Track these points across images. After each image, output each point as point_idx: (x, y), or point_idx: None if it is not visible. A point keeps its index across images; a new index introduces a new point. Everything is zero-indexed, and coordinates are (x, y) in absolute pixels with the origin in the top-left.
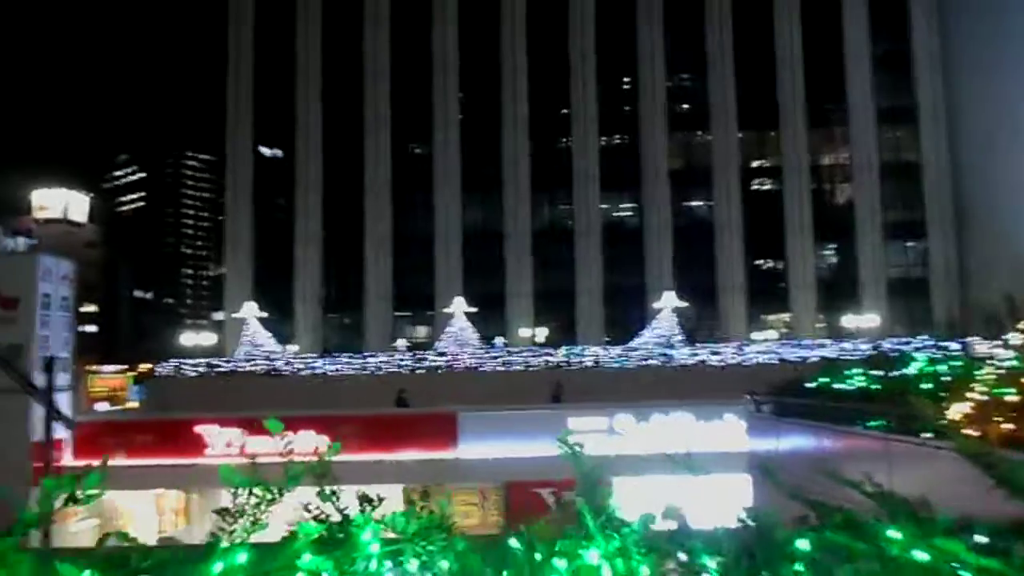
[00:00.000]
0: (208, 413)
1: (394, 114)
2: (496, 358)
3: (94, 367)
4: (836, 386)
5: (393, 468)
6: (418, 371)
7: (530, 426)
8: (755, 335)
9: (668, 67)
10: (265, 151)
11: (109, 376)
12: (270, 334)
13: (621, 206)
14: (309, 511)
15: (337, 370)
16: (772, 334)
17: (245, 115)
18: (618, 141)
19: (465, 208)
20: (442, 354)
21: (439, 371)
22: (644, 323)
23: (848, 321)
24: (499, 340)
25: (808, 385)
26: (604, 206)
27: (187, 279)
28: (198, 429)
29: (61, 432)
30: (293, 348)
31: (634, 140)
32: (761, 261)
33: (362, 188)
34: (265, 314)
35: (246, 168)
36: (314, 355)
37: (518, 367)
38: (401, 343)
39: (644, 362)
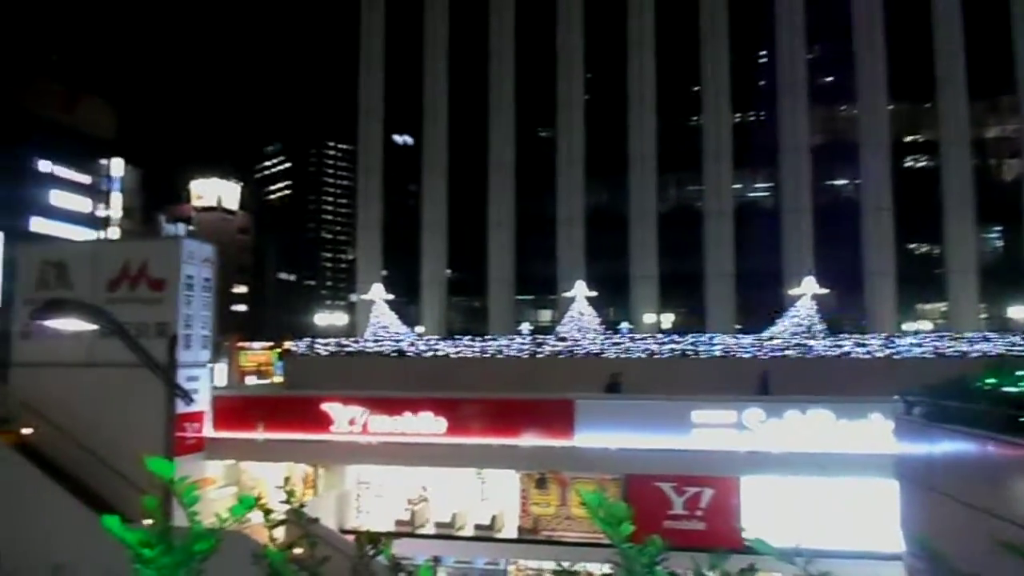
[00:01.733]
0: (335, 391)
1: (519, 97)
2: (618, 344)
3: (244, 344)
4: (1008, 389)
5: (509, 453)
6: (538, 355)
7: (651, 417)
8: (906, 326)
9: (808, 36)
10: (396, 138)
11: (257, 352)
12: (396, 316)
13: (755, 185)
14: (425, 492)
15: (458, 353)
16: (925, 325)
17: (376, 103)
18: (753, 117)
19: (589, 190)
20: (563, 339)
21: (559, 356)
22: (780, 311)
23: (1016, 312)
24: (624, 326)
25: (973, 386)
26: (737, 186)
27: (326, 262)
28: (324, 407)
29: (204, 405)
30: (419, 330)
31: (771, 115)
32: (914, 245)
33: (486, 172)
34: (391, 296)
35: (377, 155)
36: (438, 337)
37: (640, 354)
38: (525, 327)
39: (779, 352)
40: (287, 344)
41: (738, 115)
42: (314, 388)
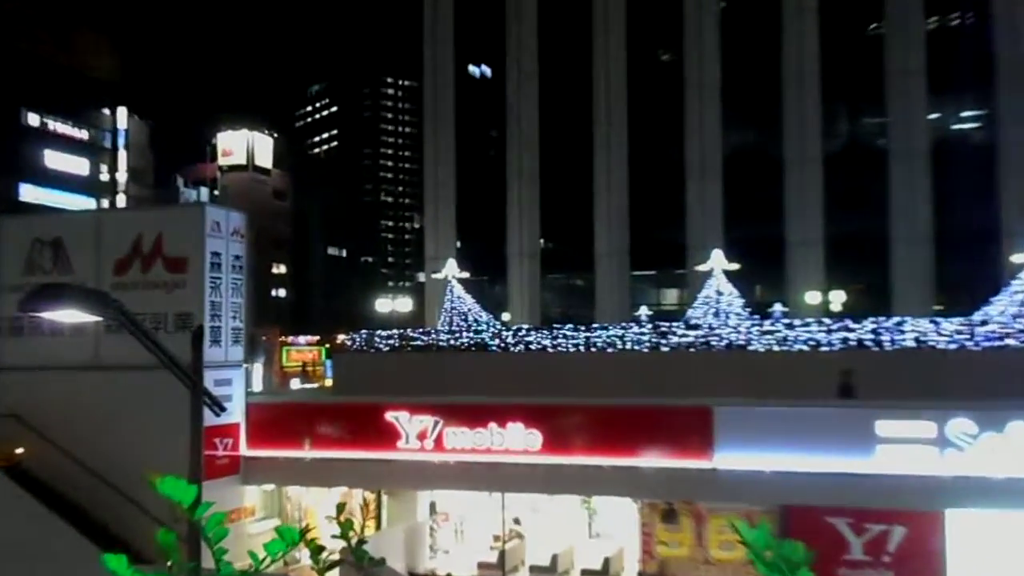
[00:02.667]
0: (400, 397)
1: (631, 11)
2: (770, 333)
3: (286, 338)
4: None
5: (625, 477)
6: (662, 348)
7: (819, 430)
8: None
9: None
10: (472, 70)
11: (302, 348)
12: (476, 300)
13: (962, 115)
14: (517, 526)
15: (557, 346)
16: None
17: (445, 26)
18: (956, 22)
19: (728, 129)
20: (694, 326)
21: (691, 350)
22: (998, 285)
23: None
24: (777, 308)
25: None
26: (934, 115)
27: (386, 233)
28: (388, 416)
29: (237, 416)
30: (505, 317)
31: (980, 20)
32: None
33: (590, 110)
34: (469, 275)
35: (447, 93)
36: (529, 326)
37: (801, 346)
38: (643, 312)
39: (998, 341)
40: (339, 338)
41: (933, 19)
42: (374, 393)
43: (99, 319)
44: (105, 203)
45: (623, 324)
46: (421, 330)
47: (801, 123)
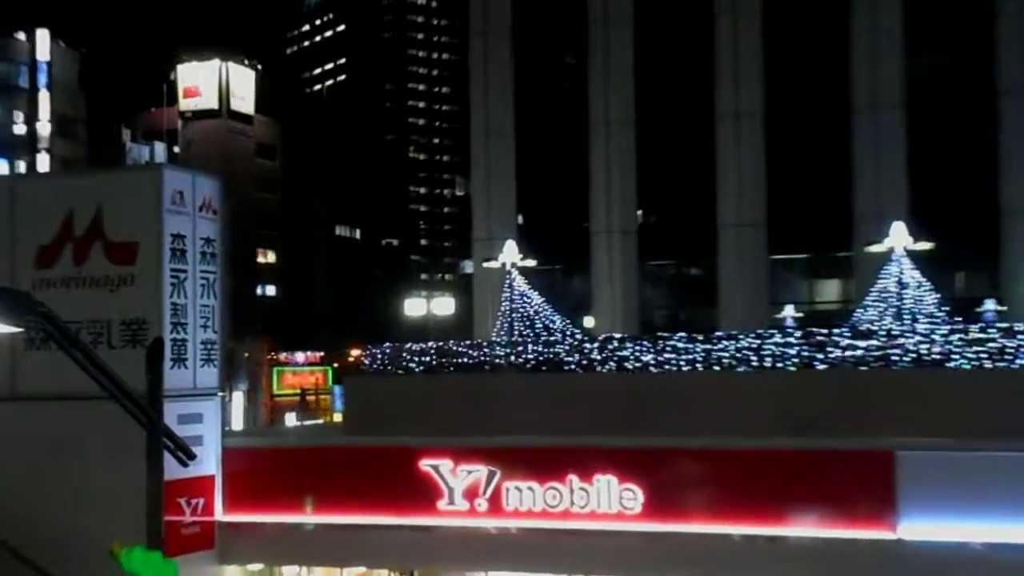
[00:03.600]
0: (440, 437)
1: None
2: (979, 343)
3: (278, 355)
4: None
5: (766, 554)
6: (815, 366)
7: None
8: None
9: None
10: None
11: (300, 369)
12: (544, 298)
13: None
14: None
15: (663, 363)
16: None
17: None
18: None
19: (911, 51)
20: (866, 333)
21: (861, 368)
22: None
23: None
24: (990, 306)
25: None
26: None
27: (418, 204)
28: (424, 465)
29: (210, 466)
30: (587, 322)
31: None
32: None
33: (710, 26)
34: (534, 263)
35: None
36: (624, 336)
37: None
38: (788, 312)
39: None
40: (352, 354)
41: None
42: (402, 432)
43: (15, 330)
44: (21, 166)
45: (759, 332)
46: (468, 343)
47: (1019, 38)
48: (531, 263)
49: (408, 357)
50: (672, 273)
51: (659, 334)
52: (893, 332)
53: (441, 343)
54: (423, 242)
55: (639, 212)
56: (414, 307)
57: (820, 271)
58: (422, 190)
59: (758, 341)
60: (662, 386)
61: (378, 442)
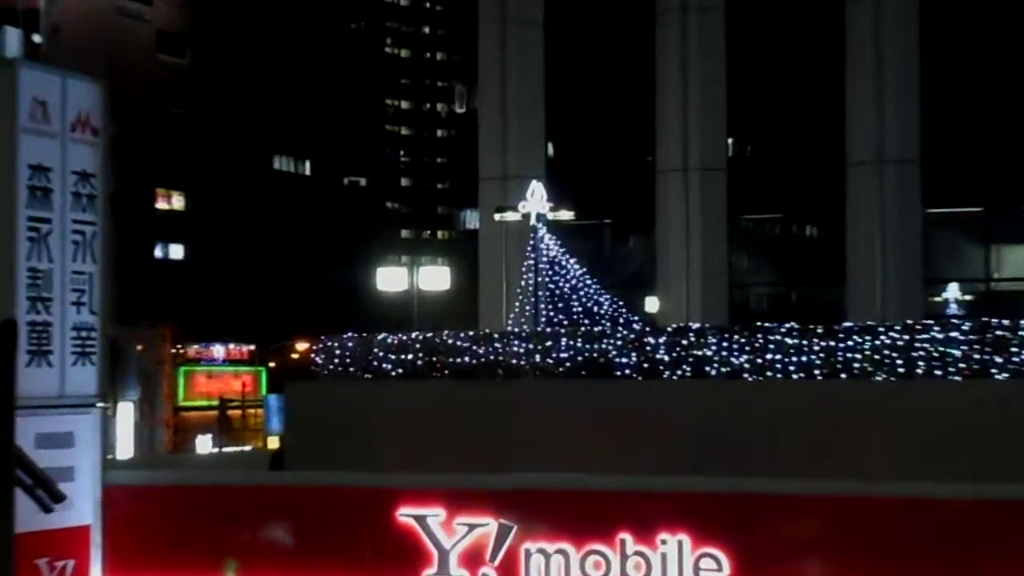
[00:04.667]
0: (427, 473)
1: None
2: None
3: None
4: None
5: None
6: (994, 374)
7: None
8: None
9: None
10: None
11: (219, 369)
12: (583, 268)
13: None
14: None
15: (766, 367)
16: None
17: None
18: None
19: None
20: None
21: None
22: None
23: None
24: None
25: None
26: None
27: (397, 125)
28: (404, 516)
29: (84, 511)
30: (650, 306)
31: None
32: None
33: None
34: (571, 215)
35: None
36: (702, 325)
37: None
38: (951, 294)
39: None
40: (299, 348)
41: None
42: (371, 463)
43: None
44: None
45: (908, 324)
46: (470, 334)
47: None
48: (567, 215)
49: (381, 354)
50: (777, 233)
51: (758, 324)
52: None
53: (431, 334)
54: (404, 182)
55: (730, 141)
56: (391, 279)
57: (1001, 232)
58: (403, 104)
59: (906, 336)
60: (761, 401)
61: (335, 480)
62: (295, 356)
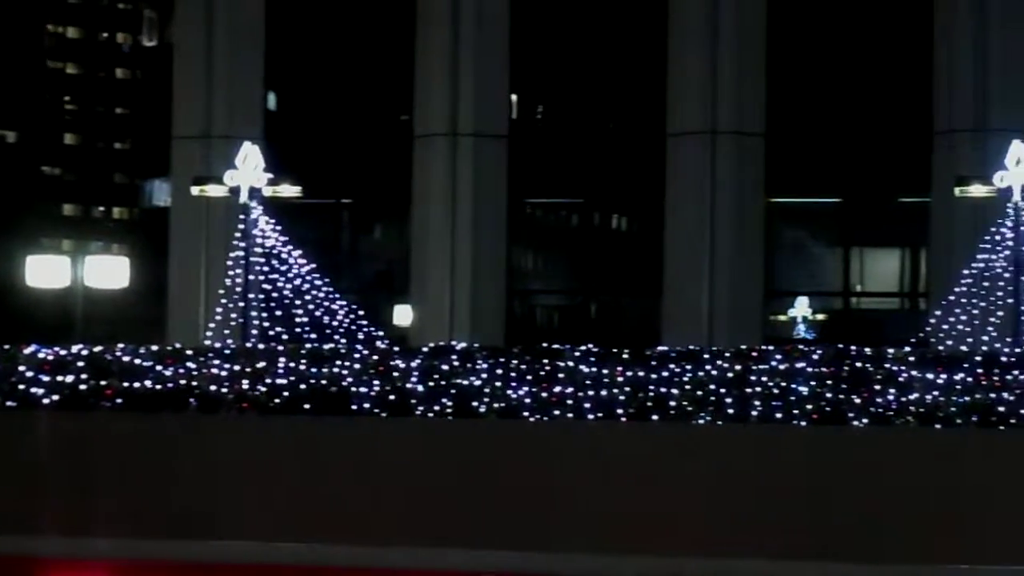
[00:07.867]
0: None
1: None
2: None
3: None
4: None
5: None
6: (852, 419)
7: None
8: None
9: None
10: None
11: None
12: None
13: None
14: None
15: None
16: None
17: None
18: None
19: None
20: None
21: None
22: None
23: None
24: None
25: None
26: None
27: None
28: None
29: None
30: (399, 317)
31: None
32: None
33: None
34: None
35: None
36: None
37: None
38: (799, 313)
39: None
40: None
41: None
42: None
43: None
44: None
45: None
46: (154, 349)
47: None
48: (291, 191)
49: (30, 374)
50: (575, 224)
51: (544, 346)
52: None
53: (100, 348)
54: (68, 139)
55: (514, 99)
56: (46, 271)
57: (863, 232)
58: (70, 32)
59: (738, 366)
60: (548, 449)
61: None
62: None
